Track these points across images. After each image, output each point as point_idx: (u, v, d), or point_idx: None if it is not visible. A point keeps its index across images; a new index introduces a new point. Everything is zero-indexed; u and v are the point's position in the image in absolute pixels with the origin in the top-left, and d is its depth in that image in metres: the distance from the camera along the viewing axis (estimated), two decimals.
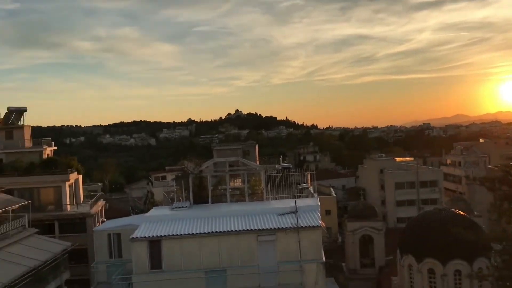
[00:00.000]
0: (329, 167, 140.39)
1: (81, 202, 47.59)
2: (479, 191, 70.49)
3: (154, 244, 23.68)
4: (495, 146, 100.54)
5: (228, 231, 23.82)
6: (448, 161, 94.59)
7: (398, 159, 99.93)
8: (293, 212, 23.41)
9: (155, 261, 23.71)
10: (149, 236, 23.69)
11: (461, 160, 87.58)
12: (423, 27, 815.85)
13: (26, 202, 35.53)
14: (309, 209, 25.16)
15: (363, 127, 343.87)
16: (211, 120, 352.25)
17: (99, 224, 43.08)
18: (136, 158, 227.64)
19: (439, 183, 77.50)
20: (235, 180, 34.96)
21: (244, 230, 23.81)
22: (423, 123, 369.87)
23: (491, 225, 34.32)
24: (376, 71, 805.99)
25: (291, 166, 60.07)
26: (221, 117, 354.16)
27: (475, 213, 41.16)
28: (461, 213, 32.19)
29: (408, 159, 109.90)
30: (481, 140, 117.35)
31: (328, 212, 66.16)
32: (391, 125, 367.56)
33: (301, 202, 25.22)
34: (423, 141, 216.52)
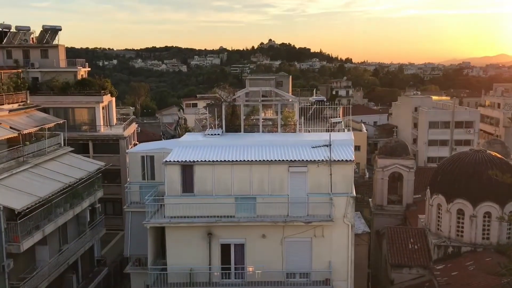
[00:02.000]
0: (361, 103, 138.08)
1: (114, 124, 48.35)
2: None
3: (187, 168, 23.94)
4: None
5: (259, 160, 23.78)
6: (487, 103, 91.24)
7: (433, 97, 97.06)
8: (327, 145, 23.07)
9: (187, 185, 24.09)
10: (182, 161, 23.90)
11: (501, 101, 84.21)
12: None
13: (61, 121, 36.29)
14: (343, 143, 24.76)
15: (399, 63, 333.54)
16: (243, 49, 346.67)
17: (131, 147, 43.94)
18: (167, 84, 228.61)
19: (475, 124, 75.31)
20: (268, 111, 34.59)
21: (276, 160, 23.73)
22: (463, 62, 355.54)
23: None
24: (418, 5, 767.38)
25: (325, 99, 58.99)
26: (253, 46, 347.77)
27: None
28: (497, 155, 31.23)
29: (444, 98, 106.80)
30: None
31: (357, 148, 65.71)
32: (429, 63, 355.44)
33: (335, 136, 24.80)
34: (461, 80, 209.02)
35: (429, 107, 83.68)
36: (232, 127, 28.99)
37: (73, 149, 35.66)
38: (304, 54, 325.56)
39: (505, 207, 29.20)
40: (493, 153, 31.37)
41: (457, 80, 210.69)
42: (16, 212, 23.78)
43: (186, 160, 23.87)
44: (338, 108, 39.88)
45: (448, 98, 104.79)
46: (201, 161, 23.82)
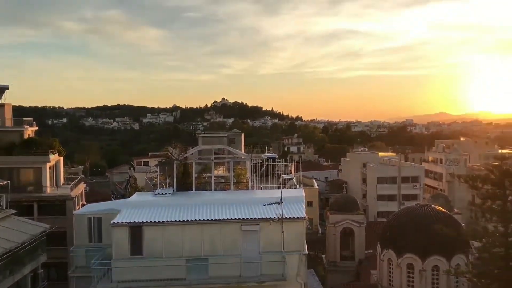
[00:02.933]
0: (312, 159, 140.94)
1: (61, 184, 46.79)
2: (459, 188, 71.72)
3: (136, 230, 23.34)
4: (475, 145, 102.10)
5: (211, 219, 23.56)
6: (430, 158, 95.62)
7: (380, 154, 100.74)
8: (278, 203, 23.27)
9: (136, 247, 23.39)
10: (130, 222, 23.33)
11: (443, 157, 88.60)
12: (411, 25, 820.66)
13: (4, 183, 34.75)
14: (294, 200, 25.05)
15: (347, 121, 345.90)
16: (197, 107, 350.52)
17: (79, 208, 42.45)
18: (118, 142, 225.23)
19: (420, 179, 78.36)
20: (220, 168, 34.73)
21: (227, 219, 23.59)
22: (406, 120, 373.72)
23: (470, 223, 34.82)
24: (363, 66, 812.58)
25: (276, 156, 59.91)
26: (206, 105, 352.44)
27: (455, 210, 41.69)
28: (442, 209, 32.50)
29: (390, 154, 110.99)
30: (462, 139, 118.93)
31: (309, 204, 66.34)
32: (375, 120, 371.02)
33: (286, 193, 25.12)
34: (405, 137, 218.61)
35: (377, 163, 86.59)
36: (184, 185, 28.80)
37: (16, 211, 33.98)
38: (256, 112, 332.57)
39: (452, 260, 30.04)
40: (438, 207, 32.60)
41: (401, 136, 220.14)
42: None
43: (134, 222, 23.31)
44: (290, 164, 40.62)
45: (394, 154, 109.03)
46: (150, 222, 23.33)
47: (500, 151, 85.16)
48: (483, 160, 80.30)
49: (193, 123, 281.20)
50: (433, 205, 32.64)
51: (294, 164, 39.40)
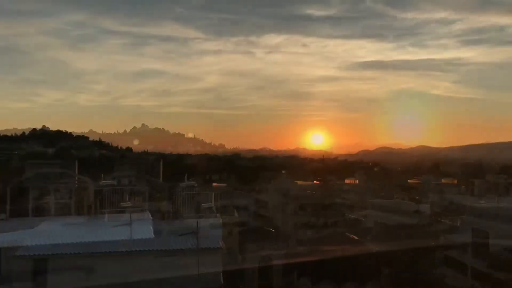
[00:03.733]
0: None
1: None
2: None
3: None
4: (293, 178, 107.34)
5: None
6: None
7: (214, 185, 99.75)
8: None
9: None
10: None
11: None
12: (210, 70, 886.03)
13: None
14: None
15: (178, 153, 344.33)
16: (11, 134, 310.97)
17: None
18: None
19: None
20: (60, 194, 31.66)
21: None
22: (233, 153, 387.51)
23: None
24: (179, 103, 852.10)
25: (115, 183, 55.23)
26: (24, 132, 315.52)
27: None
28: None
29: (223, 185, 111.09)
30: (283, 172, 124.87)
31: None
32: (206, 153, 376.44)
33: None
34: (235, 168, 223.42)
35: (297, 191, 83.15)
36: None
37: None
38: (83, 141, 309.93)
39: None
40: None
41: (231, 168, 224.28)
42: None
43: None
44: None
45: (225, 185, 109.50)
46: None
47: None
48: (300, 192, 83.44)
49: (6, 152, 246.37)
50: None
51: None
